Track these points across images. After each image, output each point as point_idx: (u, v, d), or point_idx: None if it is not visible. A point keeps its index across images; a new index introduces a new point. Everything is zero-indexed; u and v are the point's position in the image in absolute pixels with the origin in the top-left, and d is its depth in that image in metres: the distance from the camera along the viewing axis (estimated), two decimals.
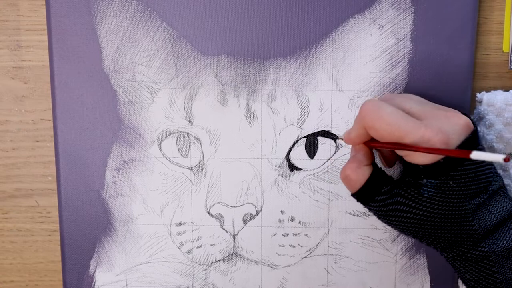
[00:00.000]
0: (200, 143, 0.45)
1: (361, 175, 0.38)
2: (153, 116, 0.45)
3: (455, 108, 0.38)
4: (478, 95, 0.43)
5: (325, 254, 0.46)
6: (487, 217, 0.36)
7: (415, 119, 0.35)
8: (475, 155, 0.31)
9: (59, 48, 0.45)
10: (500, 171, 0.43)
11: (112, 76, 0.45)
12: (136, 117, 0.45)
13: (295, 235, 0.46)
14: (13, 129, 0.48)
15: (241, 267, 0.47)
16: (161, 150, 0.46)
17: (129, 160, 0.46)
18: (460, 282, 0.46)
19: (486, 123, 0.43)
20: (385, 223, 0.39)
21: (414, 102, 0.37)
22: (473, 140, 0.35)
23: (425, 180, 0.35)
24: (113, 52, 0.45)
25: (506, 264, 0.36)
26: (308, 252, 0.46)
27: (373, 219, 0.46)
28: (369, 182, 0.38)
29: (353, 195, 0.39)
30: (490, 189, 0.36)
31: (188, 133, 0.45)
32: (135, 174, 0.46)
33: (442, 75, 0.43)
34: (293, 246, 0.46)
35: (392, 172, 0.44)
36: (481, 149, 0.36)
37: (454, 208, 0.35)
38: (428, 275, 0.46)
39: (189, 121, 0.45)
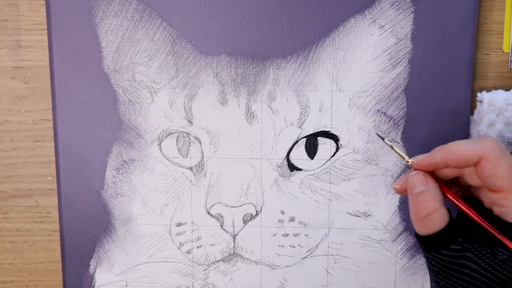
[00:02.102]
0: (200, 143, 0.45)
1: (444, 217, 0.33)
2: (153, 116, 0.45)
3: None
4: (479, 94, 0.43)
5: (325, 255, 0.46)
6: None
7: None
8: None
9: (59, 48, 0.45)
10: None
11: (112, 76, 0.45)
12: (136, 117, 0.45)
13: (295, 235, 0.46)
14: (13, 129, 0.48)
15: (241, 267, 0.47)
16: (161, 150, 0.46)
17: (129, 160, 0.46)
18: None
19: (487, 122, 0.43)
20: (442, 278, 0.34)
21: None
22: None
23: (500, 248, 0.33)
24: (113, 52, 0.45)
25: None
26: (308, 253, 0.46)
27: (374, 220, 0.46)
28: (447, 228, 0.33)
29: (420, 237, 0.34)
30: None
31: (188, 133, 0.45)
32: (135, 174, 0.46)
33: (442, 75, 0.43)
34: (293, 247, 0.46)
35: None
36: None
37: None
38: (429, 275, 0.46)
39: (189, 121, 0.45)
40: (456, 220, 0.34)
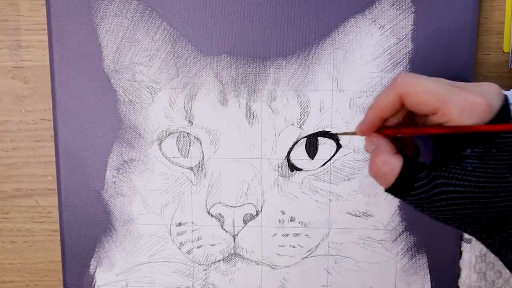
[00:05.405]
0: (200, 143, 0.45)
1: (394, 165, 0.35)
2: (153, 116, 0.45)
3: None
4: None
5: (326, 255, 0.46)
6: None
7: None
8: None
9: (59, 48, 0.45)
10: None
11: (112, 76, 0.45)
12: (136, 117, 0.45)
13: (296, 235, 0.46)
14: (13, 129, 0.48)
15: (241, 267, 0.47)
16: (161, 150, 0.46)
17: (129, 160, 0.46)
18: (460, 282, 0.46)
19: None
20: (430, 213, 0.35)
21: (445, 81, 0.35)
22: (507, 107, 0.34)
23: (469, 150, 0.33)
24: (113, 52, 0.45)
25: None
26: (309, 253, 0.46)
27: (374, 220, 0.46)
28: (403, 172, 0.35)
29: (388, 190, 0.36)
30: None
31: (188, 133, 0.45)
32: (135, 174, 0.46)
33: (442, 75, 0.43)
34: (294, 247, 0.46)
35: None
36: None
37: (498, 181, 0.33)
38: (429, 275, 0.46)
39: (189, 121, 0.45)
40: (415, 158, 0.36)
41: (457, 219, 0.34)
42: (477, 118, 0.32)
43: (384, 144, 0.36)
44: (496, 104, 0.33)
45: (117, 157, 0.46)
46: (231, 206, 0.46)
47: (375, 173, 0.36)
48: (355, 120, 0.44)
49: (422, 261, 0.46)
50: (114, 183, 0.46)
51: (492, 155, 0.33)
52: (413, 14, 0.43)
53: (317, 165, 0.45)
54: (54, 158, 0.47)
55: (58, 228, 0.48)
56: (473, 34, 0.43)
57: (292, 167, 0.45)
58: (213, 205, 0.46)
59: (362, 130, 0.37)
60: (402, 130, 0.36)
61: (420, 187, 0.35)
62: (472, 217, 0.34)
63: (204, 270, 0.47)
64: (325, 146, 0.45)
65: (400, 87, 0.34)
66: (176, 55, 0.44)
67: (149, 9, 0.44)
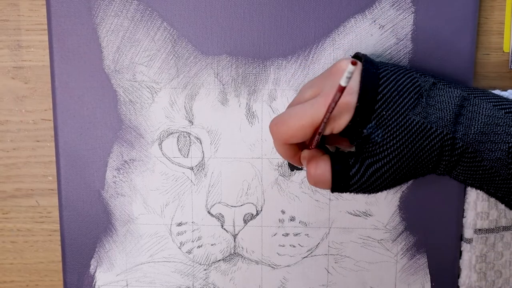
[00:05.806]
0: (201, 143, 0.45)
1: (324, 163, 0.37)
2: (154, 116, 0.45)
3: None
4: None
5: (326, 254, 0.46)
6: (440, 114, 0.35)
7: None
8: (342, 81, 0.31)
9: (59, 48, 0.45)
10: None
11: (112, 76, 0.45)
12: (136, 117, 0.45)
13: (296, 235, 0.46)
14: (14, 129, 0.48)
15: (241, 267, 0.47)
16: (161, 150, 0.46)
17: (130, 160, 0.46)
18: (460, 282, 0.46)
19: None
20: (379, 191, 0.38)
21: (308, 88, 0.38)
22: (368, 65, 0.36)
23: (364, 131, 0.35)
24: (114, 52, 0.45)
25: (484, 147, 0.35)
26: (309, 252, 0.46)
27: (374, 219, 0.46)
28: (334, 166, 0.37)
29: (333, 189, 0.38)
30: (423, 90, 0.36)
31: (188, 133, 0.45)
32: (136, 174, 0.46)
33: (443, 75, 0.43)
34: (294, 246, 0.46)
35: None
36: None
37: (407, 129, 0.35)
38: (429, 275, 0.46)
39: (190, 121, 0.45)
40: (341, 154, 0.38)
41: (399, 180, 0.37)
42: (347, 114, 0.35)
43: (307, 154, 0.39)
44: (354, 83, 0.35)
45: (117, 157, 0.46)
46: (232, 206, 0.46)
47: (313, 180, 0.38)
48: None
49: (422, 261, 0.46)
50: (115, 183, 0.46)
51: (386, 117, 0.35)
52: (413, 14, 0.43)
53: None
54: (54, 158, 0.47)
55: (59, 228, 0.48)
56: (473, 34, 0.43)
57: (292, 167, 0.45)
58: (214, 205, 0.46)
59: (299, 165, 0.40)
60: (311, 142, 0.38)
61: (356, 173, 0.37)
62: (410, 170, 0.37)
63: (205, 269, 0.47)
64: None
65: (279, 138, 0.37)
66: (176, 55, 0.44)
67: (150, 9, 0.44)
